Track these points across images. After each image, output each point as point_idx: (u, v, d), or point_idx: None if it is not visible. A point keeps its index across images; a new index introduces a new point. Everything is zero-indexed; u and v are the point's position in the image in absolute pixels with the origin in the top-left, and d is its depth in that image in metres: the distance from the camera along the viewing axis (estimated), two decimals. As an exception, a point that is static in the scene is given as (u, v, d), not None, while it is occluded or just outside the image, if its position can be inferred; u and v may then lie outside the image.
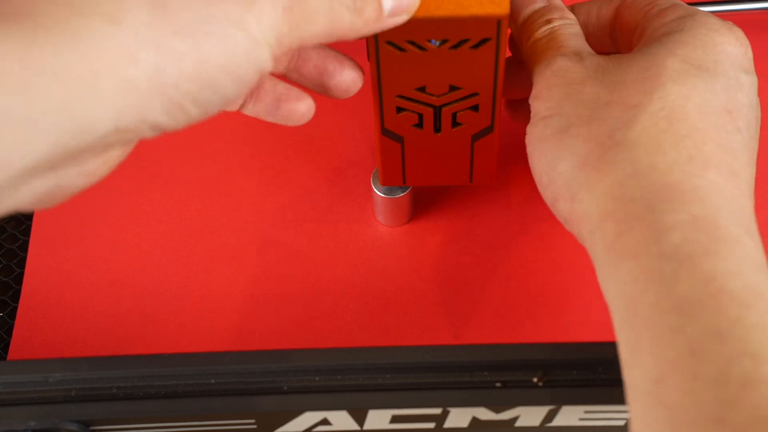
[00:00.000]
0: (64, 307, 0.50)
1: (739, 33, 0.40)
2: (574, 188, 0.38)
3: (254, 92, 0.42)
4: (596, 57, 0.41)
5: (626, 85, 0.39)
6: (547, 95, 0.40)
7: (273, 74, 0.42)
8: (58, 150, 0.29)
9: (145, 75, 0.30)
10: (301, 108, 0.42)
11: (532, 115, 0.41)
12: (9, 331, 0.50)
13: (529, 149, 0.41)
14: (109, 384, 0.45)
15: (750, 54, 0.40)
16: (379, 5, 0.36)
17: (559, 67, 0.40)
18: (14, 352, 0.49)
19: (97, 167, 0.34)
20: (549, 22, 0.43)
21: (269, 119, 0.42)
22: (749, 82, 0.40)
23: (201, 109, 0.33)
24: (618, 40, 0.45)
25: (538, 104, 0.41)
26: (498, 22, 0.38)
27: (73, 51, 0.29)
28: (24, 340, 0.50)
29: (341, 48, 0.42)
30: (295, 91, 0.42)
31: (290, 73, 0.42)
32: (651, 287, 0.34)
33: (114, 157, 0.35)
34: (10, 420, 0.44)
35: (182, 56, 0.31)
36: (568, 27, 0.43)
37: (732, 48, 0.40)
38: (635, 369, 0.34)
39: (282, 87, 0.42)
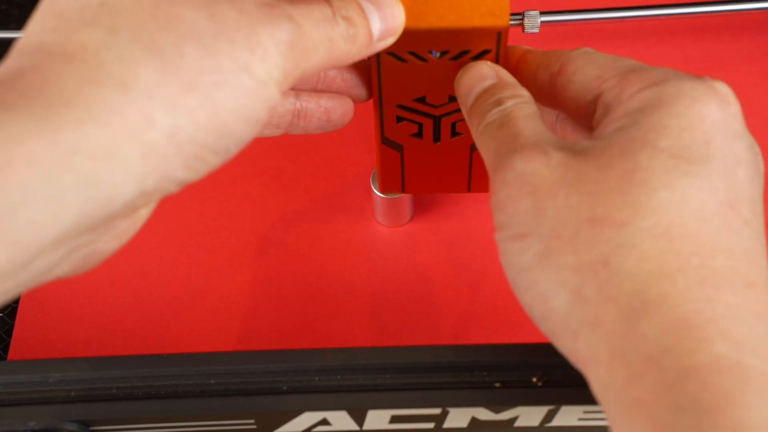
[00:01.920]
0: (64, 307, 0.51)
1: (721, 89, 0.35)
2: (573, 326, 0.33)
3: (300, 113, 0.42)
4: (562, 152, 0.34)
5: (608, 196, 0.33)
6: (512, 209, 0.34)
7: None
8: (86, 220, 0.30)
9: (163, 135, 0.31)
10: (348, 109, 0.43)
11: (497, 224, 0.35)
12: (9, 331, 0.50)
13: (510, 275, 0.36)
14: (109, 384, 0.45)
15: (737, 108, 0.35)
16: (370, 32, 0.36)
17: (523, 172, 0.34)
18: (14, 352, 0.49)
19: (127, 227, 0.34)
20: (500, 103, 0.37)
21: (319, 132, 0.43)
22: (744, 148, 0.34)
23: (219, 156, 0.33)
24: (563, 106, 0.39)
25: (504, 216, 0.35)
26: (498, 34, 0.39)
27: (91, 122, 0.29)
28: (24, 340, 0.50)
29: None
30: (336, 99, 0.42)
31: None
32: None
33: (142, 216, 0.35)
34: (10, 420, 0.44)
35: (195, 110, 0.31)
36: (521, 107, 0.37)
37: (719, 115, 0.34)
38: None
39: (325, 100, 0.42)
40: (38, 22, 0.32)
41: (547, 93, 0.39)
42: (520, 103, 0.37)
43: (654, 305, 0.31)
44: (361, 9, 0.36)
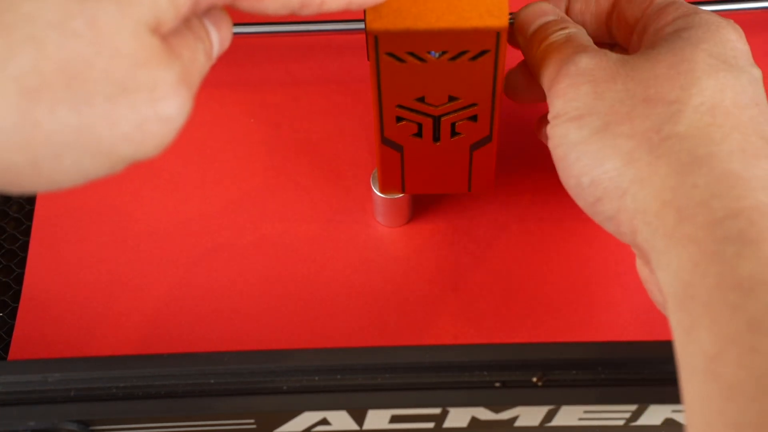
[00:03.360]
0: (64, 307, 0.51)
1: (739, 29, 0.41)
2: (624, 185, 0.38)
3: None
4: (618, 54, 0.41)
5: (659, 81, 0.39)
6: (573, 94, 0.40)
7: None
8: None
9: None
10: None
11: (553, 116, 0.41)
12: (9, 331, 0.50)
13: (561, 152, 0.40)
14: (108, 384, 0.45)
15: (748, 46, 0.41)
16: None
17: (586, 65, 0.40)
18: (14, 352, 0.49)
19: None
20: (564, 29, 0.43)
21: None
22: (759, 76, 0.41)
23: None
24: (615, 34, 0.45)
25: (563, 104, 0.40)
26: (497, 34, 0.39)
27: None
28: (24, 340, 0.50)
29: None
30: None
31: None
32: (711, 269, 0.34)
33: None
34: (10, 420, 0.44)
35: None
36: (582, 35, 0.43)
37: (740, 44, 0.41)
38: (690, 347, 0.35)
39: None
40: None
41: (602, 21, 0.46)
42: (581, 32, 0.43)
43: (704, 159, 0.37)
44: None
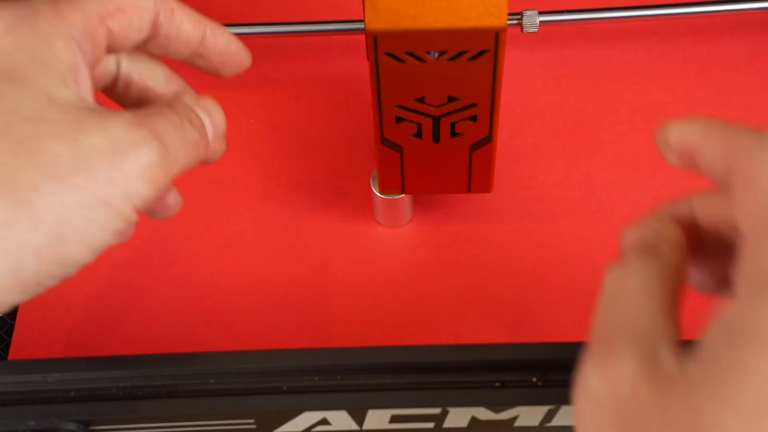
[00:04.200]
0: (64, 307, 0.51)
1: None
2: None
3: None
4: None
5: None
6: None
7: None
8: None
9: (3, 273, 0.31)
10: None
11: None
12: (9, 331, 0.50)
13: None
14: (108, 384, 0.45)
15: None
16: (206, 134, 0.38)
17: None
18: (14, 352, 0.49)
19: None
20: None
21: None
22: None
23: (58, 279, 0.33)
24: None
25: None
26: (496, 34, 0.39)
27: None
28: (24, 340, 0.50)
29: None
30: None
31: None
32: None
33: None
34: (10, 420, 0.44)
35: (41, 247, 0.32)
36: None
37: None
38: None
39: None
40: None
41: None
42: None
43: None
44: (196, 113, 0.37)
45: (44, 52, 0.34)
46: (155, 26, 0.38)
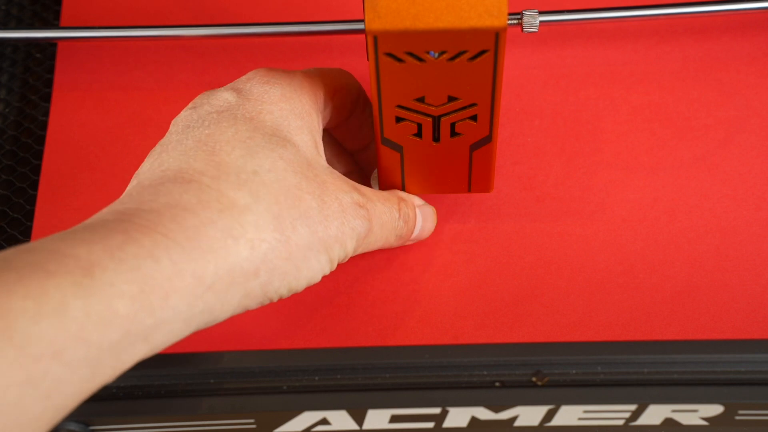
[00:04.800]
0: (65, 307, 0.50)
1: None
2: None
3: None
4: None
5: None
6: None
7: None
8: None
9: (258, 285, 0.40)
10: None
11: None
12: (9, 332, 0.50)
13: None
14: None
15: None
16: (411, 233, 0.49)
17: None
18: (14, 352, 0.49)
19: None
20: None
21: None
22: None
23: (273, 300, 0.42)
24: None
25: None
26: (496, 34, 0.39)
27: (214, 261, 0.39)
28: (24, 340, 0.50)
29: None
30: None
31: None
32: None
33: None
34: (10, 420, 0.44)
35: (286, 274, 0.41)
36: None
37: None
38: None
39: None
40: (196, 154, 0.41)
41: None
42: None
43: None
44: (416, 216, 0.49)
45: (308, 120, 0.44)
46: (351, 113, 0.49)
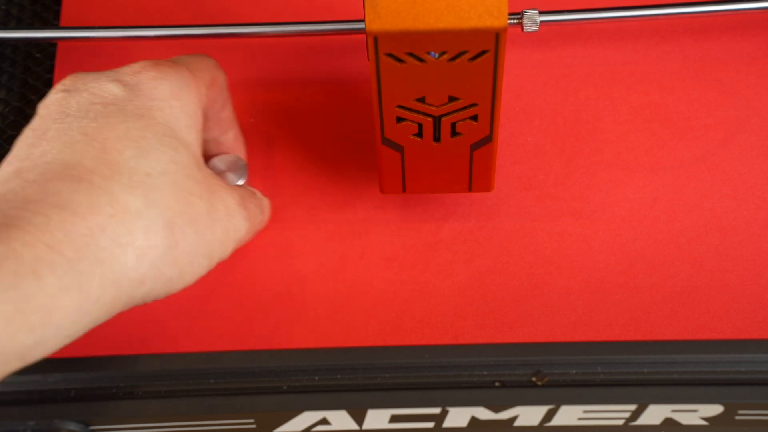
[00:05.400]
0: (65, 307, 0.50)
1: None
2: None
3: None
4: None
5: None
6: None
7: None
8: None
9: (142, 293, 0.40)
10: None
11: None
12: (9, 331, 0.50)
13: None
14: (109, 384, 0.45)
15: None
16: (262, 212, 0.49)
17: None
18: (14, 352, 0.49)
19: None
20: None
21: None
22: None
23: (152, 300, 0.41)
24: None
25: None
26: (496, 34, 0.39)
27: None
28: (24, 340, 0.50)
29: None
30: None
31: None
32: None
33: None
34: (10, 420, 0.44)
35: (169, 281, 0.41)
36: None
37: None
38: None
39: None
40: (85, 149, 0.39)
41: None
42: None
43: None
44: (269, 207, 0.50)
45: (195, 119, 0.43)
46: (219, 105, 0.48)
